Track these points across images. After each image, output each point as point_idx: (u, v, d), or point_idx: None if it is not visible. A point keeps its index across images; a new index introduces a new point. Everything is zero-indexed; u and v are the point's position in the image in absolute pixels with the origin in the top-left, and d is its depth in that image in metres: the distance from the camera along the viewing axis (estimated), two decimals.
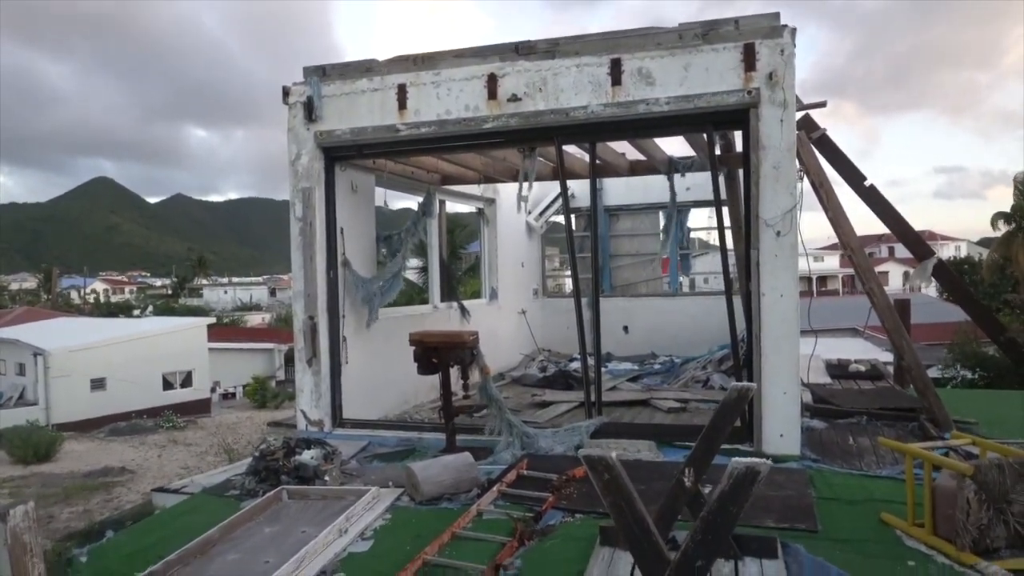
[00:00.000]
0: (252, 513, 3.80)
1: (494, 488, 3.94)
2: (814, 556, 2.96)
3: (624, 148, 7.83)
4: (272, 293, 71.18)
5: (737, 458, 1.92)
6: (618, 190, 9.87)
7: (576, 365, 8.14)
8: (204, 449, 14.34)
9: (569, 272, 6.87)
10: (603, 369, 7.57)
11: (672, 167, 7.60)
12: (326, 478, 4.22)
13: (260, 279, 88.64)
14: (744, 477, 1.85)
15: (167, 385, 23.83)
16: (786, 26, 4.54)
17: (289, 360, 27.32)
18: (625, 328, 9.52)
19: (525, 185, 6.15)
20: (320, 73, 5.57)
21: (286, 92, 5.63)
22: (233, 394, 28.39)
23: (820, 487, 3.88)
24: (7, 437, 14.25)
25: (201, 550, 3.36)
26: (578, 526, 3.47)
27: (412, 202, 7.12)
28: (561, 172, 5.52)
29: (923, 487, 3.21)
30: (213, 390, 26.79)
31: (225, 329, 33.30)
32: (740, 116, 4.68)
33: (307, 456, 4.29)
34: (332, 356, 5.73)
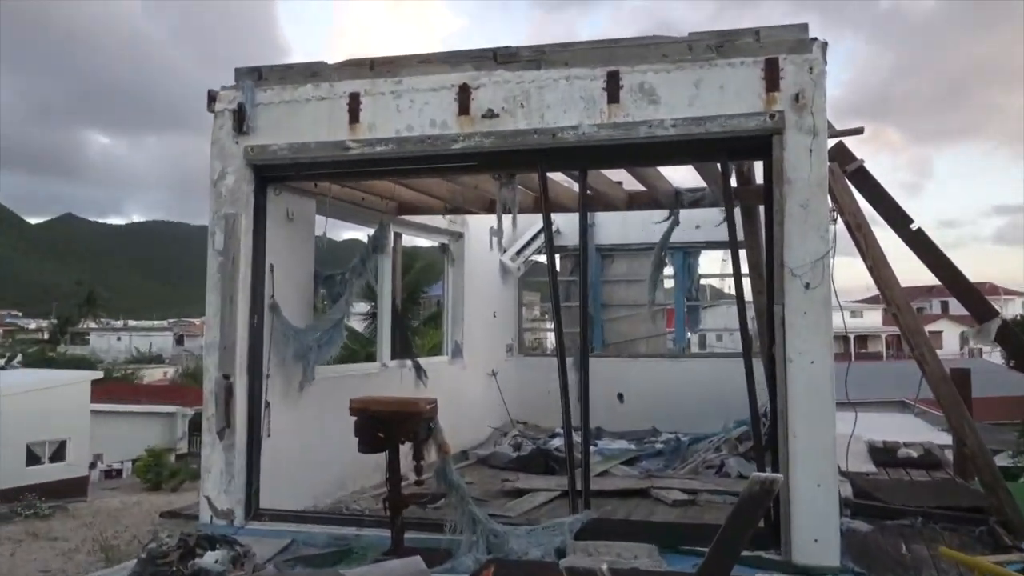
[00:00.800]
0: None
1: None
2: None
3: (621, 176, 8.01)
4: (179, 341, 69.94)
5: (762, 575, 1.88)
6: (613, 226, 10.02)
7: (558, 443, 8.08)
8: (74, 545, 13.73)
9: (552, 325, 6.94)
10: (592, 448, 7.43)
11: (679, 201, 7.77)
12: None
13: (165, 323, 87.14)
14: None
15: (32, 459, 22.83)
16: (815, 39, 4.70)
17: (195, 427, 26.61)
18: (620, 396, 9.55)
19: (503, 219, 6.25)
20: (255, 76, 5.62)
21: (212, 97, 5.66)
22: (119, 471, 27.39)
23: None
24: None
25: None
26: None
27: (361, 234, 7.30)
28: (544, 203, 5.59)
29: None
30: (93, 465, 25.83)
31: (116, 386, 32.45)
32: (761, 144, 4.81)
33: (210, 559, 4.16)
34: (250, 427, 5.62)
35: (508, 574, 4.29)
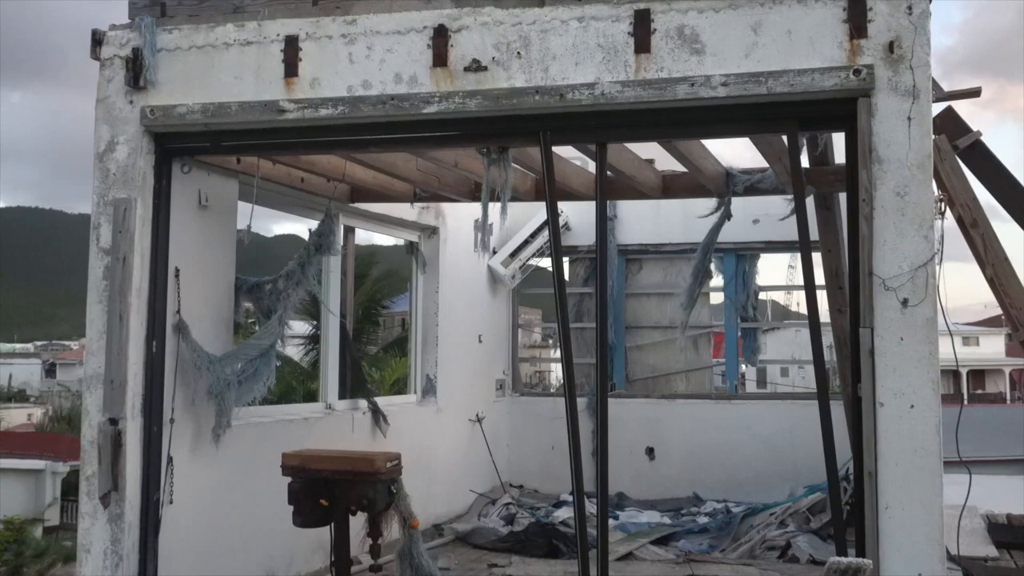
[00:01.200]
0: None
1: None
2: None
3: (653, 153, 8.06)
4: (49, 372, 69.56)
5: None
6: (642, 220, 10.07)
7: (566, 514, 8.08)
8: None
9: (558, 353, 6.72)
10: (612, 522, 7.60)
11: (731, 187, 7.83)
12: None
13: (31, 347, 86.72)
14: None
15: None
16: None
17: (71, 489, 26.36)
18: (650, 451, 9.56)
19: (493, 209, 6.16)
20: (156, 11, 5.60)
21: (98, 39, 5.65)
22: None
23: None
24: None
25: None
26: None
27: (300, 227, 7.51)
28: (549, 188, 5.60)
29: None
30: None
31: None
32: (842, 110, 4.82)
33: None
34: (147, 491, 5.57)
35: None
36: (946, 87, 5.79)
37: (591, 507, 5.39)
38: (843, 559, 2.91)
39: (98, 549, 5.43)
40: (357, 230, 8.61)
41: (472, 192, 8.24)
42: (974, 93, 5.91)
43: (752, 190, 7.78)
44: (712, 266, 8.72)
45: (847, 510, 5.16)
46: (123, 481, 5.43)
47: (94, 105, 5.65)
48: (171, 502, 5.71)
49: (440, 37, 5.19)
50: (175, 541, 5.71)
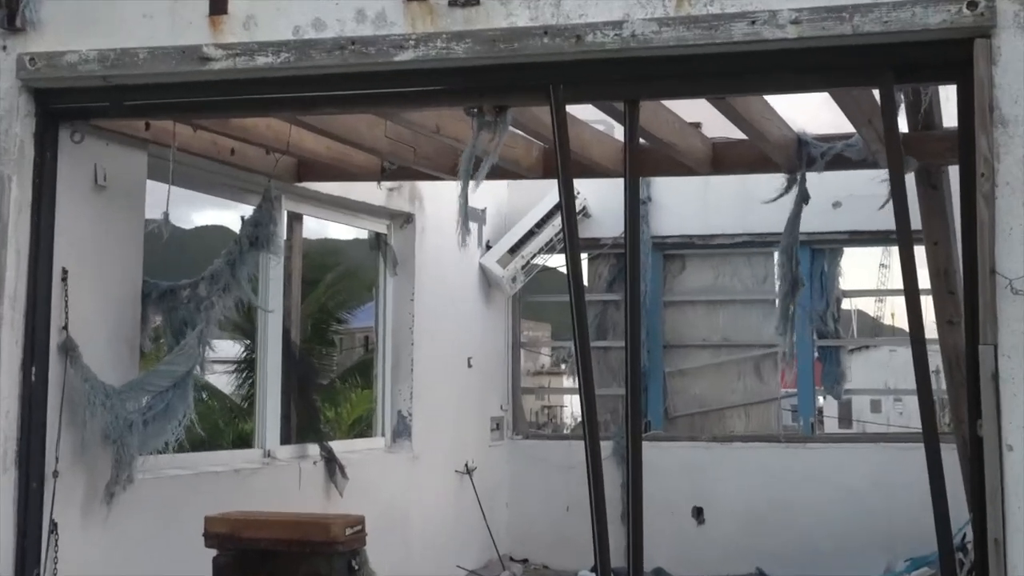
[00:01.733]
0: None
1: None
2: None
3: (700, 114, 8.01)
4: None
5: None
6: (686, 205, 10.07)
7: None
8: None
9: (573, 381, 7.18)
10: None
11: (804, 159, 7.81)
12: None
13: None
14: None
15: None
16: None
17: None
18: (697, 512, 9.58)
19: (488, 189, 6.10)
20: None
21: None
22: None
23: None
24: None
25: None
26: None
27: (231, 215, 7.46)
28: (562, 162, 5.58)
29: None
30: None
31: None
32: (952, 56, 4.81)
33: None
34: (22, 565, 5.51)
35: None
36: None
37: None
38: None
39: None
40: (306, 219, 8.61)
41: (456, 167, 8.04)
42: None
43: (834, 163, 7.76)
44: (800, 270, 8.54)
45: None
46: None
47: None
48: None
49: None
50: None
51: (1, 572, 5.44)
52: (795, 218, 7.94)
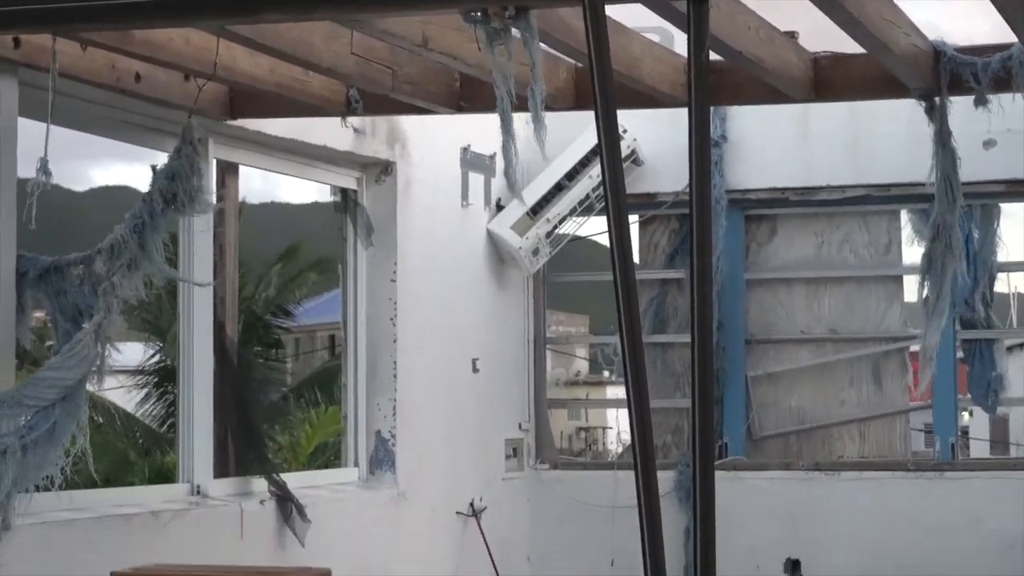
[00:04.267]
0: None
1: None
2: None
3: (796, 19, 6.02)
4: None
5: None
6: (775, 147, 8.16)
7: None
8: None
9: (620, 392, 5.87)
10: None
11: (945, 79, 5.89)
12: None
13: None
14: None
15: None
16: None
17: None
18: (794, 566, 7.60)
19: (487, 123, 5.95)
20: None
21: None
22: None
23: None
24: None
25: None
26: None
27: (137, 168, 5.49)
28: (601, 86, 3.32)
29: None
30: None
31: None
32: None
33: None
34: None
35: None
36: None
37: None
38: None
39: None
40: (244, 170, 6.67)
41: (455, 95, 6.31)
42: None
43: (989, 86, 5.81)
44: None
45: None
46: None
47: None
48: None
49: None
50: None
51: None
52: (950, 159, 6.07)
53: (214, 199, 6.27)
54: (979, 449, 9.80)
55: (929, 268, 6.53)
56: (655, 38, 6.04)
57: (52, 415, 4.87)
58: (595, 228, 8.61)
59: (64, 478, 5.07)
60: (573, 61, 5.85)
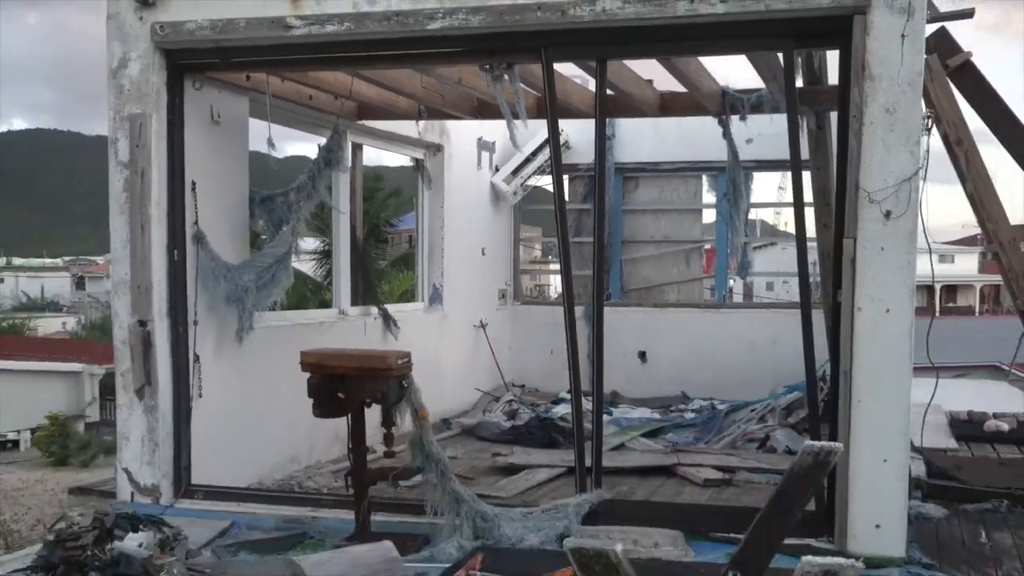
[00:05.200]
0: None
1: None
2: None
3: (652, 72, 7.86)
4: (79, 284, 69.97)
5: (809, 557, 1.95)
6: (639, 139, 9.91)
7: (564, 410, 8.20)
8: None
9: (557, 265, 6.72)
10: (606, 418, 7.63)
11: (727, 105, 7.70)
12: None
13: (60, 262, 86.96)
14: None
15: None
16: None
17: (107, 391, 26.75)
18: (642, 355, 9.58)
19: (492, 124, 5.86)
20: None
21: None
22: (15, 443, 27.70)
23: None
24: None
25: None
26: None
27: (310, 147, 7.24)
28: (550, 106, 5.50)
29: None
30: None
31: (3, 339, 32.52)
32: (837, 27, 4.75)
33: (132, 543, 4.21)
34: (177, 385, 5.70)
35: (500, 564, 4.38)
36: (941, 7, 5.67)
37: (587, 404, 5.45)
38: (817, 443, 2.97)
39: (136, 436, 5.59)
40: (365, 148, 8.45)
41: (475, 109, 8.08)
42: (967, 14, 5.75)
43: (751, 109, 7.67)
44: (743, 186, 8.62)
45: (823, 406, 5.24)
46: (155, 376, 5.55)
47: (105, 22, 5.52)
48: (200, 396, 5.83)
49: None
50: (205, 431, 5.85)
51: (162, 389, 5.59)
52: (734, 152, 7.88)
53: (349, 163, 7.78)
54: (738, 298, 11.41)
55: (728, 205, 8.66)
56: (578, 81, 7.79)
57: (271, 271, 6.34)
58: (545, 182, 10.26)
59: (277, 304, 6.60)
60: (535, 92, 7.45)
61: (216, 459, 5.89)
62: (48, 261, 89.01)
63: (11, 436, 27.57)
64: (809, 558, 1.90)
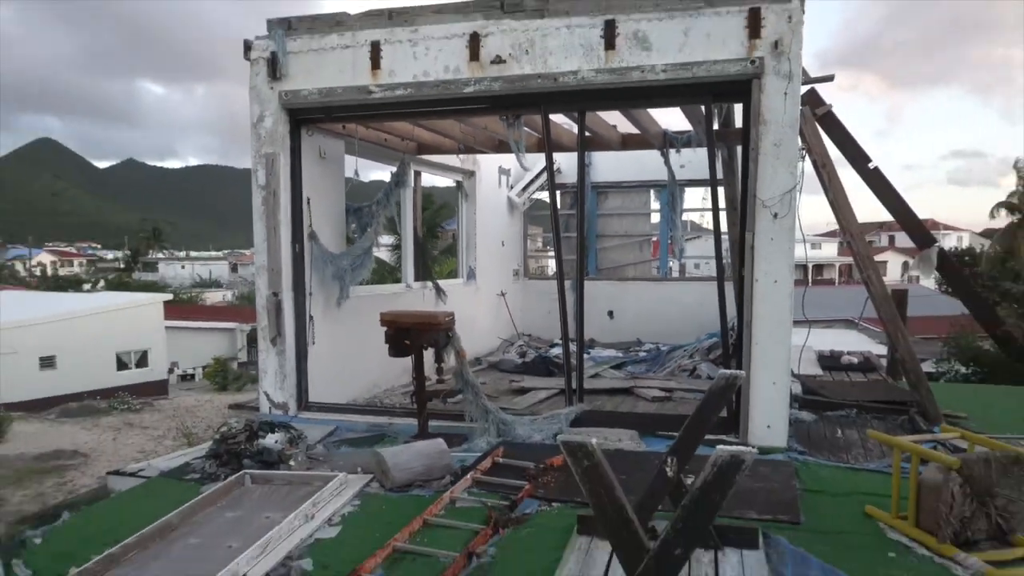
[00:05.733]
0: (213, 497, 3.78)
1: (468, 476, 3.95)
2: (795, 547, 3.05)
3: (616, 120, 7.76)
4: (233, 269, 70.30)
5: (721, 446, 1.95)
6: (608, 165, 9.81)
7: (557, 351, 8.16)
8: (161, 432, 14.11)
9: (552, 253, 6.33)
10: (586, 356, 7.42)
11: (667, 142, 7.58)
12: (291, 463, 4.21)
13: (220, 254, 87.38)
14: (729, 465, 1.89)
15: (121, 365, 23.45)
16: None
17: (252, 341, 27.00)
18: (610, 313, 9.54)
19: (507, 157, 5.93)
20: (285, 26, 5.43)
21: (248, 46, 5.50)
22: (192, 376, 28.06)
23: (806, 480, 3.97)
24: None
25: (160, 534, 3.36)
26: (555, 515, 3.50)
27: (385, 173, 7.06)
28: (547, 143, 5.46)
29: (909, 480, 3.29)
30: (171, 371, 26.45)
31: (183, 307, 32.82)
32: (741, 87, 4.66)
33: (271, 440, 4.28)
34: (298, 336, 5.70)
35: (515, 453, 4.41)
36: (822, 73, 5.63)
37: (573, 347, 5.41)
38: (727, 371, 2.96)
39: (271, 370, 5.63)
40: (423, 174, 8.38)
41: (496, 146, 7.98)
42: (828, 79, 5.65)
43: (683, 144, 7.52)
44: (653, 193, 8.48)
45: (732, 347, 5.20)
46: (283, 330, 5.57)
47: (248, 91, 5.59)
48: (313, 343, 5.83)
49: (474, 40, 5.02)
50: (317, 366, 5.85)
51: (288, 338, 5.59)
52: (672, 174, 7.71)
53: (412, 184, 7.57)
54: (674, 274, 10.83)
55: (668, 210, 8.62)
56: (567, 126, 7.63)
57: (360, 258, 6.28)
58: (544, 196, 9.98)
59: (364, 280, 6.45)
60: (537, 134, 7.30)
61: (324, 385, 5.90)
62: (213, 253, 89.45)
63: (190, 372, 27.94)
64: (721, 447, 1.91)
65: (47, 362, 21.24)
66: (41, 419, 16.46)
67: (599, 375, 7.34)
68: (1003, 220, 25.26)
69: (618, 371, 7.62)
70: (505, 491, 3.78)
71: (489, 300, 9.31)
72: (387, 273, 15.58)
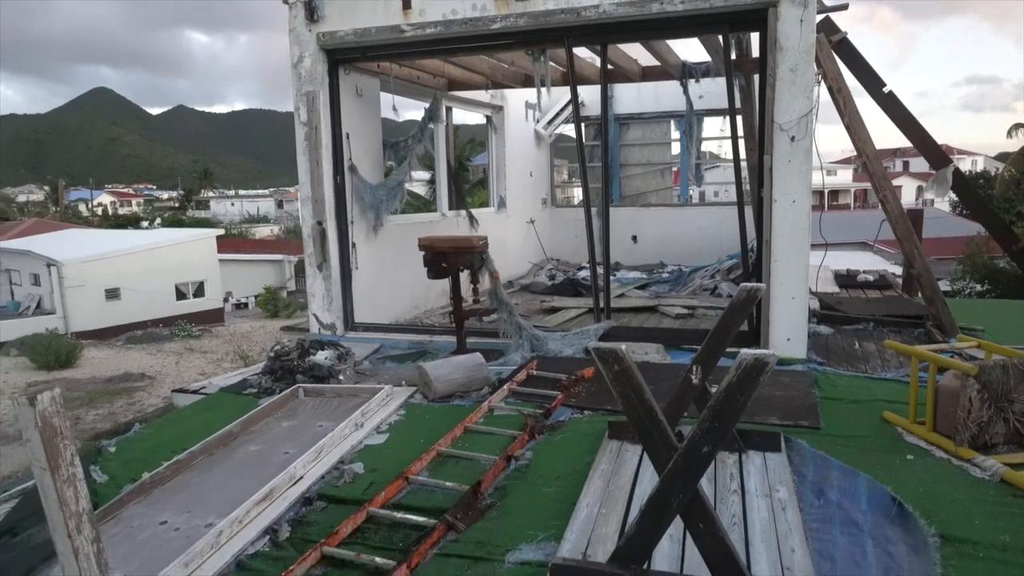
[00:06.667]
0: (270, 409, 3.85)
1: (504, 387, 3.97)
2: (816, 450, 3.01)
3: (636, 53, 7.43)
4: (279, 205, 70.63)
5: (746, 349, 1.98)
6: (629, 97, 9.47)
7: (585, 273, 8.13)
8: (220, 356, 14.53)
9: (578, 184, 6.14)
10: (612, 278, 7.40)
11: (686, 73, 7.20)
12: (340, 377, 4.29)
13: (267, 192, 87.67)
14: (753, 367, 1.89)
15: (180, 295, 24.19)
16: None
17: (299, 271, 27.47)
18: (634, 238, 9.43)
19: (534, 91, 5.78)
20: None
21: None
22: (245, 304, 28.86)
23: (824, 388, 3.90)
24: (29, 344, 14.48)
25: (223, 442, 3.45)
26: (587, 422, 3.53)
27: (418, 111, 6.90)
28: (572, 77, 5.30)
29: (926, 387, 3.17)
30: (225, 300, 27.21)
31: (234, 241, 33.34)
32: (758, 16, 4.46)
33: (321, 356, 4.35)
34: (342, 261, 5.76)
35: (548, 366, 4.49)
36: (830, 3, 5.31)
37: (600, 270, 5.37)
38: (749, 284, 2.95)
39: (319, 294, 5.74)
40: (454, 109, 8.17)
41: (523, 81, 7.74)
42: (843, 7, 5.40)
43: (701, 74, 7.08)
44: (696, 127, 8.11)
45: (752, 267, 5.18)
46: (329, 256, 5.64)
47: (288, 34, 5.44)
48: (356, 268, 5.83)
49: None
50: (361, 289, 5.92)
51: (333, 264, 5.60)
52: (689, 104, 7.42)
53: (444, 120, 7.41)
54: (695, 200, 10.49)
55: (687, 138, 8.17)
56: (589, 60, 7.31)
57: (396, 190, 6.15)
58: (569, 128, 9.77)
59: (397, 210, 6.29)
60: (562, 67, 7.06)
61: (368, 307, 5.98)
62: (260, 191, 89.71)
63: (243, 300, 28.77)
64: (745, 350, 1.95)
65: (112, 294, 21.97)
66: (109, 346, 17.22)
67: (624, 295, 7.32)
68: (1021, 141, 23.62)
69: (643, 291, 7.60)
70: (539, 400, 3.81)
71: (519, 227, 9.23)
72: (423, 206, 15.56)
